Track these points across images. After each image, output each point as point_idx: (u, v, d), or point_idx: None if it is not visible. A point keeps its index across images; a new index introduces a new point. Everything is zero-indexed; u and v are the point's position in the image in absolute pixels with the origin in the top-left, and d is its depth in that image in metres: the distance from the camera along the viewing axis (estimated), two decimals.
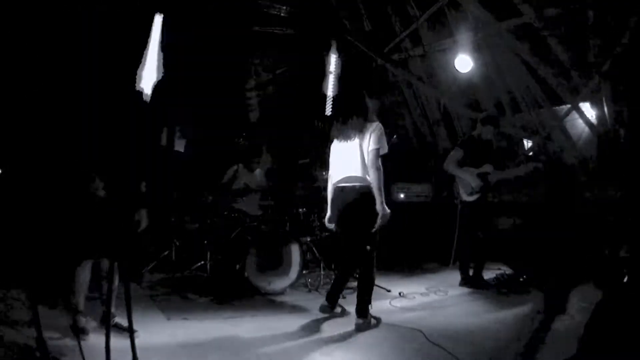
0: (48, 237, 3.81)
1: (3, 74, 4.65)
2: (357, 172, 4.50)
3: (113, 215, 3.66)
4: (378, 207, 4.35)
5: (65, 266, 3.88)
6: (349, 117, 4.59)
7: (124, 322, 3.51)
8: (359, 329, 4.38)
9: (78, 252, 3.82)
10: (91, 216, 3.67)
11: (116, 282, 3.76)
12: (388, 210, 4.39)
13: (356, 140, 4.52)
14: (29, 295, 3.61)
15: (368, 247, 4.46)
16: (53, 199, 3.85)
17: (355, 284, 5.95)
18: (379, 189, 4.36)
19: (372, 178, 4.39)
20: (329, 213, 4.85)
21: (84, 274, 3.86)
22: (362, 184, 4.47)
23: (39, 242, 3.87)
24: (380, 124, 4.52)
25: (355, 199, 4.49)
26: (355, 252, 4.62)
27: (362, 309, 4.45)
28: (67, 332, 3.72)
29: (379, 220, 4.37)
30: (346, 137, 4.59)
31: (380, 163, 4.41)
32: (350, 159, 4.54)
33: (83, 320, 3.80)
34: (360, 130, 4.51)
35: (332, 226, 4.87)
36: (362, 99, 4.66)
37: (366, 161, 4.44)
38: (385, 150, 4.46)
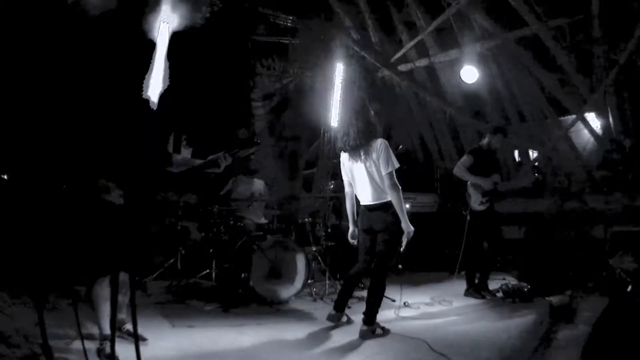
0: (58, 245, 3.78)
1: (12, 77, 4.66)
2: (377, 193, 4.53)
3: (128, 225, 3.42)
4: (403, 225, 4.41)
5: (78, 277, 3.83)
6: (357, 137, 4.56)
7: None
8: (364, 336, 4.38)
9: (95, 268, 3.61)
10: (108, 229, 3.45)
11: (129, 292, 3.73)
12: (412, 228, 4.44)
13: (366, 161, 4.52)
14: (35, 303, 3.59)
15: (387, 262, 4.55)
16: (64, 207, 3.82)
17: (360, 293, 5.97)
18: (401, 209, 4.41)
19: (392, 199, 4.43)
20: (351, 229, 4.87)
21: (103, 292, 3.56)
22: (384, 202, 4.51)
23: (47, 249, 3.85)
24: (384, 141, 4.51)
25: (383, 218, 4.53)
26: (371, 265, 4.65)
27: (370, 317, 4.47)
28: (73, 340, 3.70)
29: (404, 239, 4.43)
30: (355, 155, 4.60)
31: (397, 181, 4.43)
32: (368, 182, 4.55)
33: (108, 346, 3.26)
34: (367, 150, 4.51)
35: (354, 242, 4.88)
36: (370, 116, 4.68)
37: (380, 183, 4.48)
38: (396, 165, 4.46)
